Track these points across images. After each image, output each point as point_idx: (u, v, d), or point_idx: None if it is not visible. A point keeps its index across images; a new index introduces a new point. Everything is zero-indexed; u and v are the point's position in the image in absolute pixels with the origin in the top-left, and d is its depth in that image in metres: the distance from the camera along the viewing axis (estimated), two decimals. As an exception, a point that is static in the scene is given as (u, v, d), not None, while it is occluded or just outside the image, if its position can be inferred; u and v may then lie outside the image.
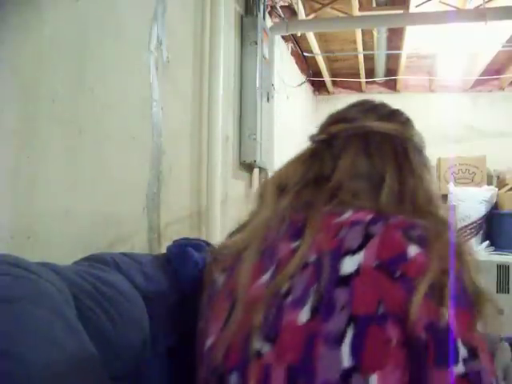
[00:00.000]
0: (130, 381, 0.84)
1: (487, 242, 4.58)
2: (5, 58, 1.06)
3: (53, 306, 0.69)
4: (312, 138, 0.98)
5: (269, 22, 3.30)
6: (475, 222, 4.63)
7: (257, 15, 2.85)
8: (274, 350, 0.70)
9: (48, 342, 0.64)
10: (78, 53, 1.30)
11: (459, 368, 0.59)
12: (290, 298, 0.71)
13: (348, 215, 0.77)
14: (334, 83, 5.91)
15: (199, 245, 1.11)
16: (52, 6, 1.19)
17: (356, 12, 3.65)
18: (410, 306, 0.64)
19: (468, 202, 4.67)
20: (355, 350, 0.64)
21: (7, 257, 0.75)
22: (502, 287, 3.16)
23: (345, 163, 0.89)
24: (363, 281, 0.67)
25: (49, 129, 1.18)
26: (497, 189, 4.84)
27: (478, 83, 5.57)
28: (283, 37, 3.92)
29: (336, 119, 0.97)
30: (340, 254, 0.71)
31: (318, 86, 5.93)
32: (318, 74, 5.24)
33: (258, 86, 2.80)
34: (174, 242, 1.18)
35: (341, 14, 3.74)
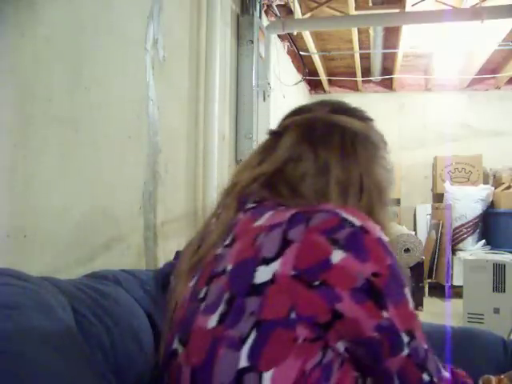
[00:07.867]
0: None
1: (483, 240, 4.60)
2: (1, 58, 1.05)
3: (51, 313, 0.73)
4: (268, 131, 0.94)
5: (265, 21, 3.30)
6: (471, 220, 4.65)
7: (253, 14, 2.85)
8: (185, 352, 0.72)
9: (47, 343, 0.67)
10: (74, 52, 1.29)
11: (405, 351, 0.70)
12: (203, 304, 0.72)
13: (268, 216, 0.74)
14: (330, 82, 5.92)
15: None
16: (48, 5, 1.19)
17: (352, 11, 3.66)
18: (345, 312, 0.66)
19: (464, 201, 4.68)
20: (254, 351, 0.65)
21: (9, 270, 0.80)
22: (497, 286, 3.17)
23: (282, 150, 0.85)
24: (277, 289, 0.67)
25: (45, 128, 1.18)
26: (493, 188, 4.86)
27: (474, 82, 5.59)
28: (279, 36, 3.93)
29: (292, 112, 0.93)
30: (256, 263, 0.69)
31: (314, 85, 5.94)
32: (314, 72, 5.25)
33: (254, 84, 2.80)
34: (176, 253, 1.19)
35: (337, 13, 3.74)
